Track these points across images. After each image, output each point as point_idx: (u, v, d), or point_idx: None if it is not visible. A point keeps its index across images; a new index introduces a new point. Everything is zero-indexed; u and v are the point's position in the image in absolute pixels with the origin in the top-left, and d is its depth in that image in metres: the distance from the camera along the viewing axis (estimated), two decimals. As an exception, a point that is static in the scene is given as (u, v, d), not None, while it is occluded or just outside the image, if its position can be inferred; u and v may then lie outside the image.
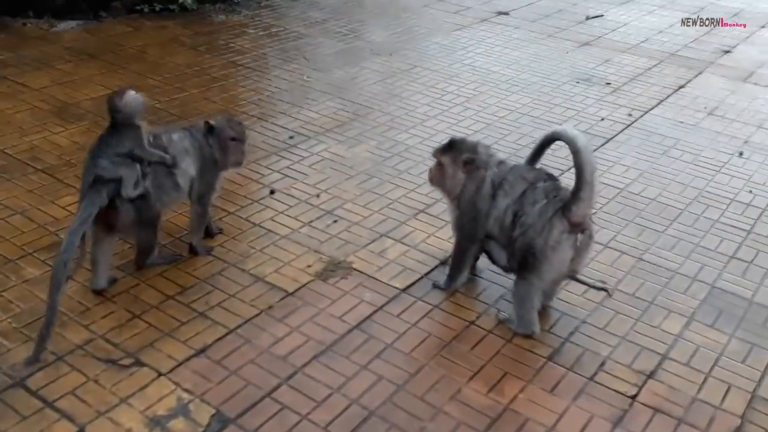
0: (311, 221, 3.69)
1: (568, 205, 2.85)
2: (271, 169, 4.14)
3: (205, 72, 5.38)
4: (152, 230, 3.15)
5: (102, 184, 2.91)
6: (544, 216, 2.88)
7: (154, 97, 4.87)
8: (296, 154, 4.34)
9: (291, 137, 4.55)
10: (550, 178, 3.06)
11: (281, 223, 3.65)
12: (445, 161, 3.15)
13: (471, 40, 6.56)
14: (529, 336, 3.02)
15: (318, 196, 3.92)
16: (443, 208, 3.86)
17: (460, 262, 3.21)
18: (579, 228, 2.88)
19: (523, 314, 3.00)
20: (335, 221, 3.71)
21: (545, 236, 2.86)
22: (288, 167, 4.18)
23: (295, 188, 3.98)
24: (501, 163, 3.12)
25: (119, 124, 3.02)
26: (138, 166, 3.00)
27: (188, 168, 3.19)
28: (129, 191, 2.96)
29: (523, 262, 2.94)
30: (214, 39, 6.05)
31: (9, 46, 5.52)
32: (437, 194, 3.96)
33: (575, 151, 2.83)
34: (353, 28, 6.64)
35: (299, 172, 4.14)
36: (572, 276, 3.07)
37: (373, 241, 3.58)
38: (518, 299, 3.01)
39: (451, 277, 3.24)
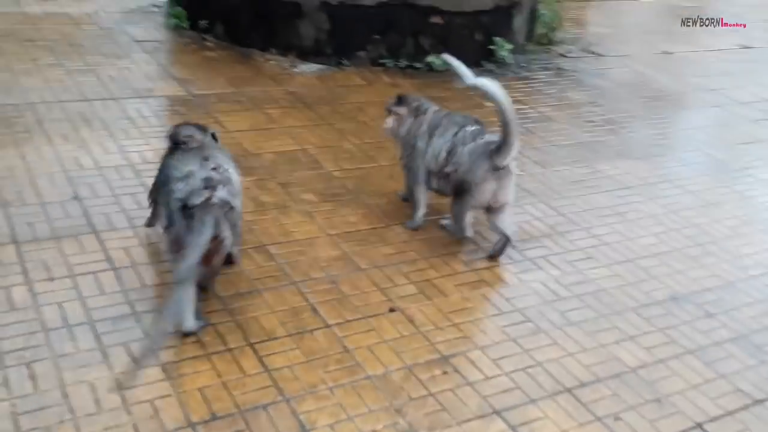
0: (415, 364, 2.89)
1: (493, 153, 3.47)
2: (410, 279, 3.40)
3: (412, 143, 4.80)
4: None
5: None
6: (472, 156, 3.52)
7: (338, 164, 4.41)
8: (450, 266, 3.55)
9: (451, 233, 3.77)
10: (477, 122, 3.70)
11: (377, 357, 2.90)
12: (402, 111, 3.85)
13: (759, 161, 5.18)
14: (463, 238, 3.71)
15: (442, 329, 3.10)
16: (604, 393, 2.83)
17: (415, 199, 3.83)
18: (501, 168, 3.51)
19: (458, 223, 3.69)
20: (445, 373, 2.86)
21: (473, 173, 3.50)
22: (429, 281, 3.41)
23: (421, 312, 3.19)
24: (437, 110, 3.83)
25: None
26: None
27: None
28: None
29: (458, 190, 3.60)
30: (443, 108, 5.45)
31: (238, 81, 5.47)
32: (601, 370, 2.97)
33: (504, 122, 3.41)
34: (611, 119, 5.62)
35: (439, 291, 3.35)
36: (491, 208, 3.60)
37: (479, 417, 2.67)
38: (454, 214, 3.69)
39: (413, 215, 3.84)
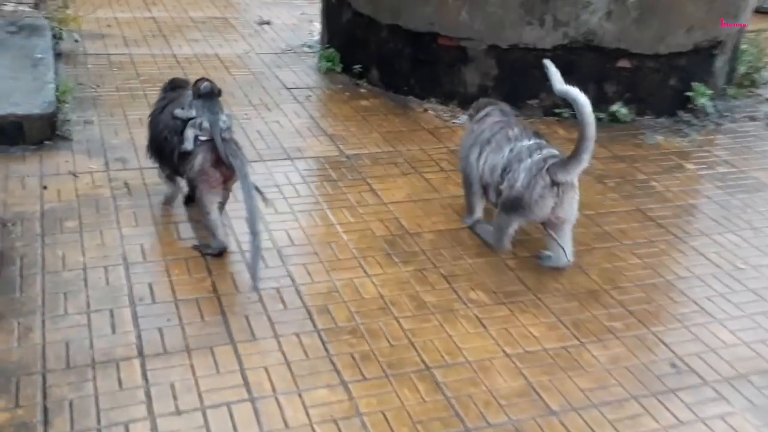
0: None
1: (555, 168, 3.29)
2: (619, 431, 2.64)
3: (599, 221, 4.00)
4: None
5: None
6: (530, 173, 3.34)
7: (512, 249, 3.69)
8: (669, 411, 2.74)
9: (675, 366, 2.96)
10: (536, 136, 3.55)
11: None
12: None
13: None
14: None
15: None
16: None
17: (468, 196, 3.78)
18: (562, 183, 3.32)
19: (499, 236, 3.55)
20: None
21: (530, 191, 3.33)
22: (644, 435, 2.63)
23: (638, 485, 2.42)
24: (497, 122, 3.67)
25: None
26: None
27: None
28: None
29: (510, 206, 3.43)
30: (633, 170, 4.62)
31: (394, 137, 4.86)
32: None
33: (582, 137, 3.22)
34: None
35: (659, 451, 2.56)
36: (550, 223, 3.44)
37: None
38: (497, 226, 3.54)
39: (467, 212, 3.84)
